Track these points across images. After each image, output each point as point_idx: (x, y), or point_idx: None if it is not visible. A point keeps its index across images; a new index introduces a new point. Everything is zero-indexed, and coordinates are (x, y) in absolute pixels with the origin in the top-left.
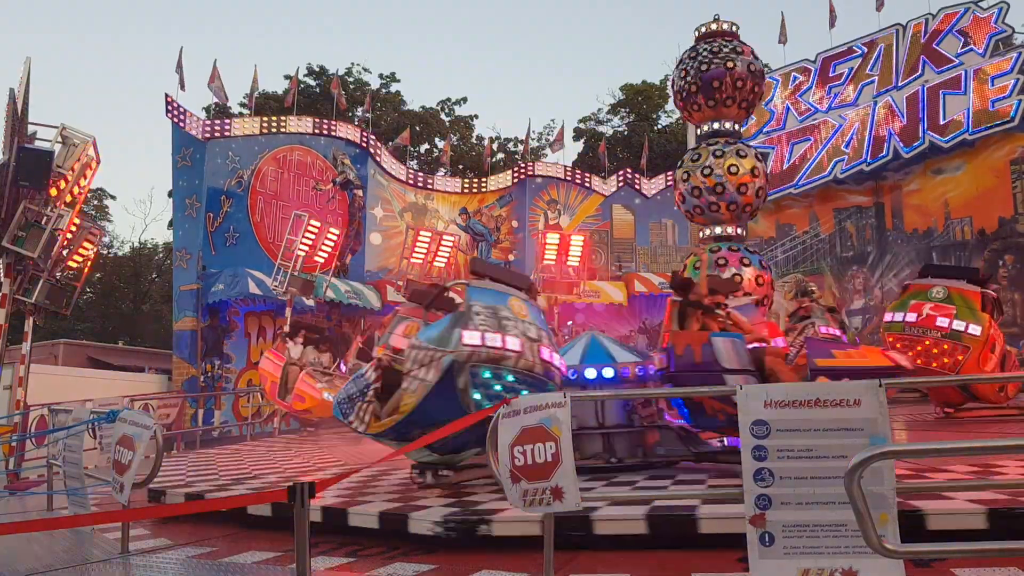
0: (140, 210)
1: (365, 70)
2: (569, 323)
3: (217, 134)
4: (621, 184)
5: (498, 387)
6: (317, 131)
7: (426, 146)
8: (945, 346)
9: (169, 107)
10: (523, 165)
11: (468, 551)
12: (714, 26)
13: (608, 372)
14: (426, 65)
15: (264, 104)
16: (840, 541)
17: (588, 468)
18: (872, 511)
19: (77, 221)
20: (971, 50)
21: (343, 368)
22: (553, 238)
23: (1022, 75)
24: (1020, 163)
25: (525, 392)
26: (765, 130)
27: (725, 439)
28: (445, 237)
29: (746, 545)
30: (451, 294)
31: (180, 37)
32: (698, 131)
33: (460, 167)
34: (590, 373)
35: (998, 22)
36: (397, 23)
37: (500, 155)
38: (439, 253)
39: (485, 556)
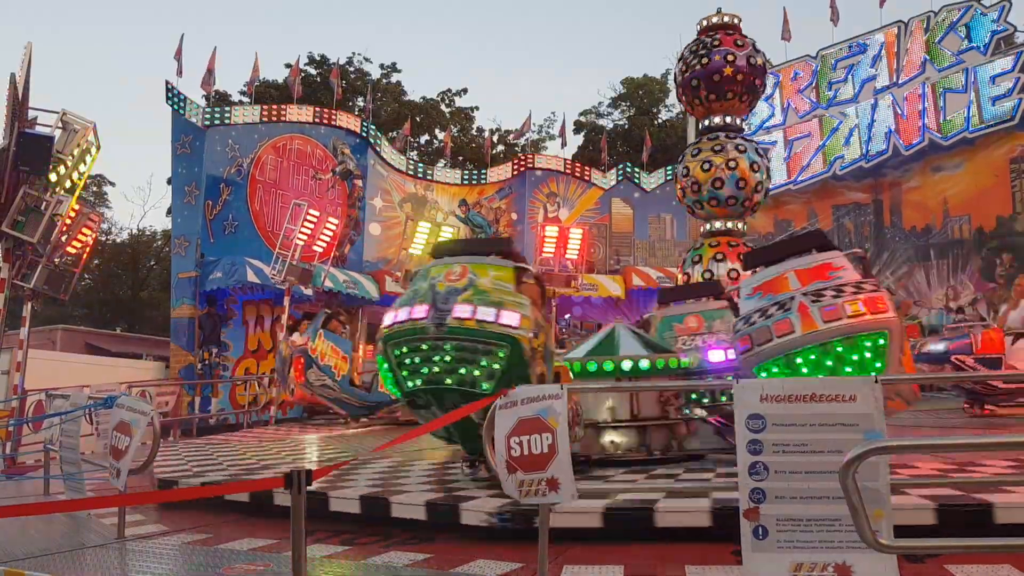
0: (139, 197)
1: (366, 60)
2: (567, 316)
3: (217, 122)
4: (621, 178)
5: None
6: (317, 120)
7: (426, 137)
8: None
9: (169, 94)
10: (523, 157)
11: (464, 540)
12: (716, 19)
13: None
14: (427, 56)
15: (264, 92)
16: (834, 536)
17: (626, 460)
18: (867, 506)
19: (76, 207)
20: (972, 48)
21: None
22: (552, 231)
23: (1022, 74)
24: (1019, 162)
25: None
26: (765, 126)
27: None
28: (444, 228)
29: (740, 538)
30: None
31: (182, 25)
32: (700, 125)
33: (460, 158)
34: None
35: (999, 20)
36: (398, 13)
37: (500, 147)
38: None
39: (480, 546)
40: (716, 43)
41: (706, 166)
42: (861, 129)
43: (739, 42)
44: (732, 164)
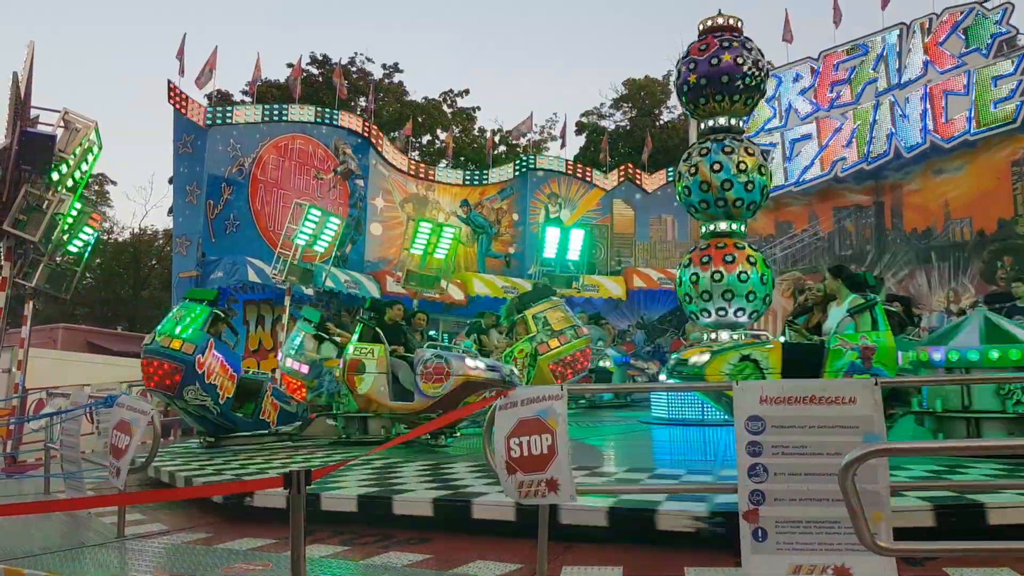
0: (140, 196)
1: (368, 60)
2: None
3: (219, 121)
4: (622, 179)
5: None
6: (319, 120)
7: (428, 137)
8: None
9: (171, 93)
10: (524, 158)
11: (463, 540)
12: (714, 22)
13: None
14: (428, 56)
15: (266, 92)
16: (833, 538)
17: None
18: (866, 509)
19: (78, 206)
20: (974, 51)
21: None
22: (553, 232)
23: None
24: (1021, 164)
25: None
26: (767, 127)
27: None
28: (446, 229)
29: (739, 540)
30: None
31: (183, 25)
32: (700, 127)
33: (462, 159)
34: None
35: (1002, 23)
36: (399, 13)
37: (502, 147)
38: (439, 245)
39: (480, 546)
40: (685, 54)
41: (677, 176)
42: (862, 131)
43: (702, 47)
44: (693, 170)
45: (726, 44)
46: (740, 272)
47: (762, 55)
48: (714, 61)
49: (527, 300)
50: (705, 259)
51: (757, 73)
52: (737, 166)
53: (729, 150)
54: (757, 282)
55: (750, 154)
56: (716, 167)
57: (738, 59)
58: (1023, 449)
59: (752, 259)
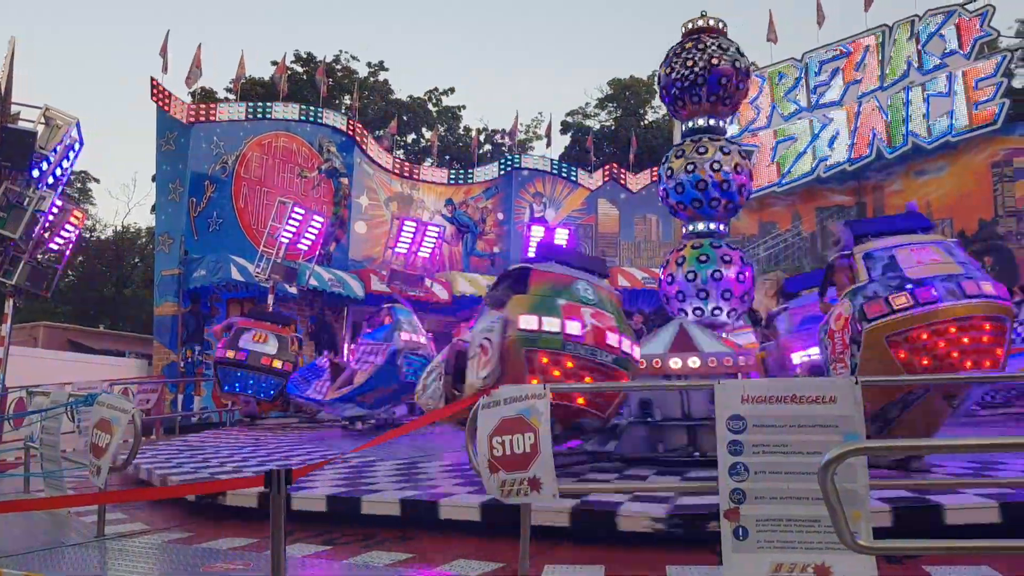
0: (123, 194)
1: (353, 58)
2: None
3: (202, 118)
4: (607, 179)
5: None
6: (303, 118)
7: (413, 136)
8: None
9: (154, 90)
10: (510, 157)
11: (443, 541)
12: (701, 22)
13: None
14: (414, 54)
15: (250, 89)
16: (813, 536)
17: (670, 461)
18: (845, 508)
19: (59, 203)
20: (956, 52)
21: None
22: (538, 231)
23: (1006, 78)
24: (1001, 166)
25: None
26: (750, 128)
27: None
28: (430, 227)
29: (720, 539)
30: None
31: (167, 20)
32: (683, 127)
33: (447, 158)
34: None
35: (983, 25)
36: (386, 12)
37: (487, 147)
38: (423, 243)
39: (463, 545)
40: (723, 46)
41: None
42: (845, 132)
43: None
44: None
45: (666, 56)
46: (688, 272)
47: (703, 51)
48: (660, 76)
49: (862, 231)
50: (663, 264)
51: (686, 75)
52: (666, 173)
53: (664, 160)
54: (707, 281)
55: (678, 157)
56: (656, 178)
57: (667, 68)
58: (1003, 448)
59: (703, 258)
